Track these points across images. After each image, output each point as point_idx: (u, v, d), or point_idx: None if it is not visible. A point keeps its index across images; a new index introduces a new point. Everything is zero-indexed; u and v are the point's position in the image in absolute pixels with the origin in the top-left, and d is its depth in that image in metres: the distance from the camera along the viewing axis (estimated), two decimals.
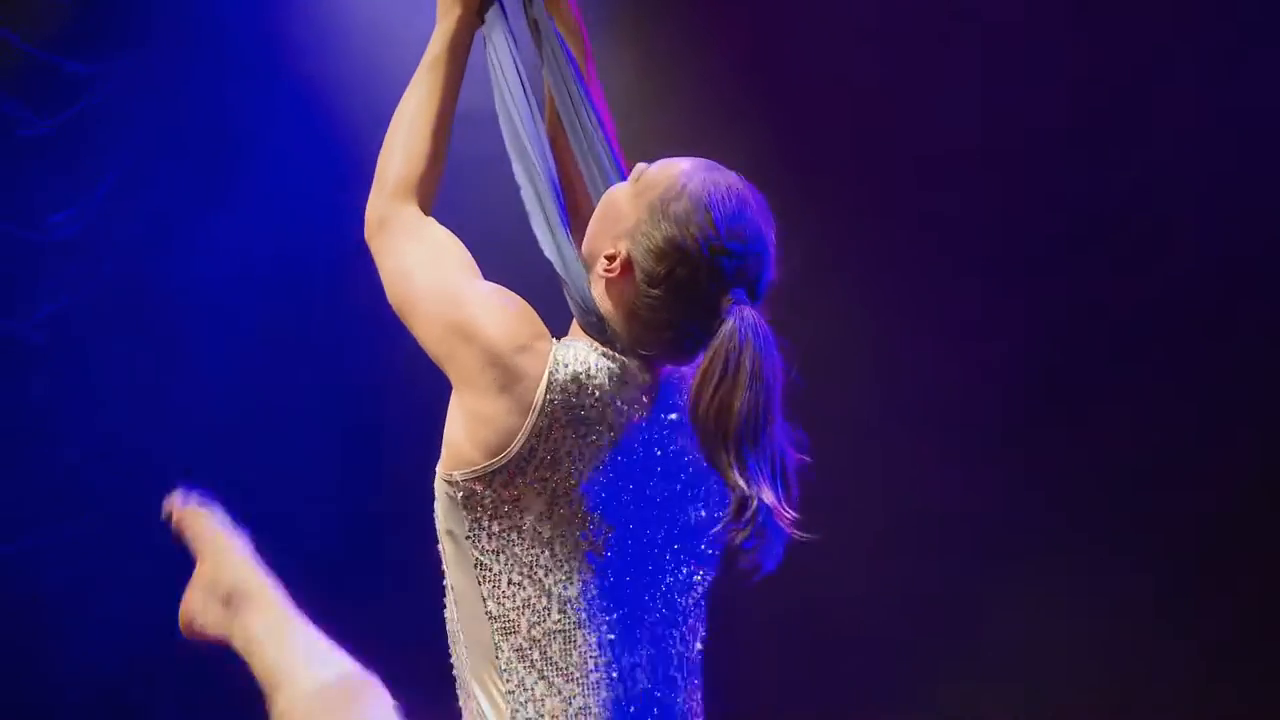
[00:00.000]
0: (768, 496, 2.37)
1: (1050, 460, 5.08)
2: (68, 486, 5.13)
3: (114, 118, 5.17)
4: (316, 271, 5.10)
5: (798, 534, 2.39)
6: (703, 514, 2.56)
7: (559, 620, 2.45)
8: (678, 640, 2.54)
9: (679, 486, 2.55)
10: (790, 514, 2.38)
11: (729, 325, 2.42)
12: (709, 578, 2.58)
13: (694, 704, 2.56)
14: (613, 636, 2.47)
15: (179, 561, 4.98)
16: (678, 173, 2.53)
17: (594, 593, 2.46)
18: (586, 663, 2.46)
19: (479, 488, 2.45)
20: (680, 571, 2.54)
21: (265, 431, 5.14)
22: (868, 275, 5.16)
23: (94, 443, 5.17)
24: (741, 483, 2.37)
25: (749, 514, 2.36)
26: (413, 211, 2.64)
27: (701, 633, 2.59)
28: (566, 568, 2.44)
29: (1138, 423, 5.01)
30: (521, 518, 2.44)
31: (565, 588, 2.44)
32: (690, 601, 2.56)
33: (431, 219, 2.65)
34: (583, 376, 2.47)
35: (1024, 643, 5.06)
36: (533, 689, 2.46)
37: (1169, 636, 5.00)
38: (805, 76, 5.18)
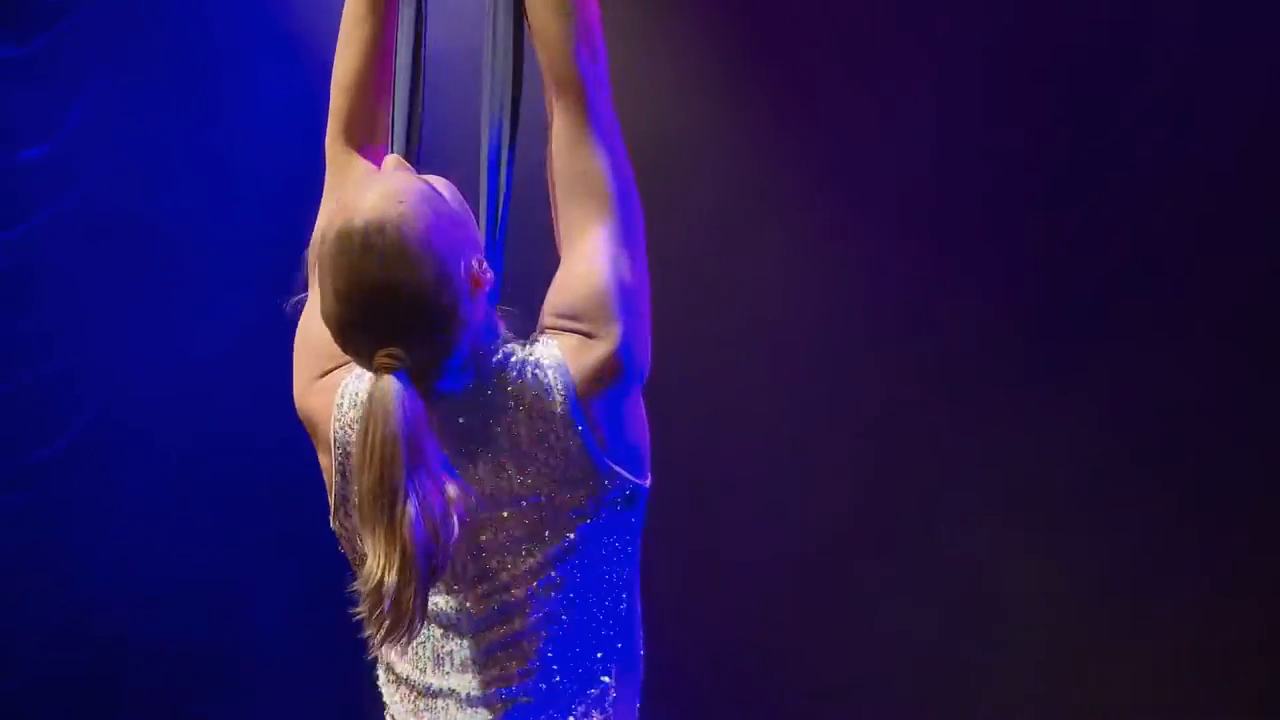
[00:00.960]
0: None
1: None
2: (33, 414, 5.08)
3: (90, 41, 5.09)
4: (301, 190, 5.01)
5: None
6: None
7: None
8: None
9: None
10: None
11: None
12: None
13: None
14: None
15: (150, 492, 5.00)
16: None
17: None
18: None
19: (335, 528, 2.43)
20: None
21: (253, 355, 5.08)
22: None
23: (62, 369, 5.10)
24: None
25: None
26: (332, 156, 2.58)
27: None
28: None
29: None
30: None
31: None
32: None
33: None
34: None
35: None
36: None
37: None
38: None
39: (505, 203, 2.54)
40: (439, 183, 2.41)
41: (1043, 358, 4.91)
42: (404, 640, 2.25)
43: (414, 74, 2.61)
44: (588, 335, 2.36)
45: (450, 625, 2.37)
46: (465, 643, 2.37)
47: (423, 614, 2.24)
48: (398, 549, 2.20)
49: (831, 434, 5.02)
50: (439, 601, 2.36)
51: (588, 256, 2.38)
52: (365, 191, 2.31)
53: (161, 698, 5.16)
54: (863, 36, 5.02)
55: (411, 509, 2.21)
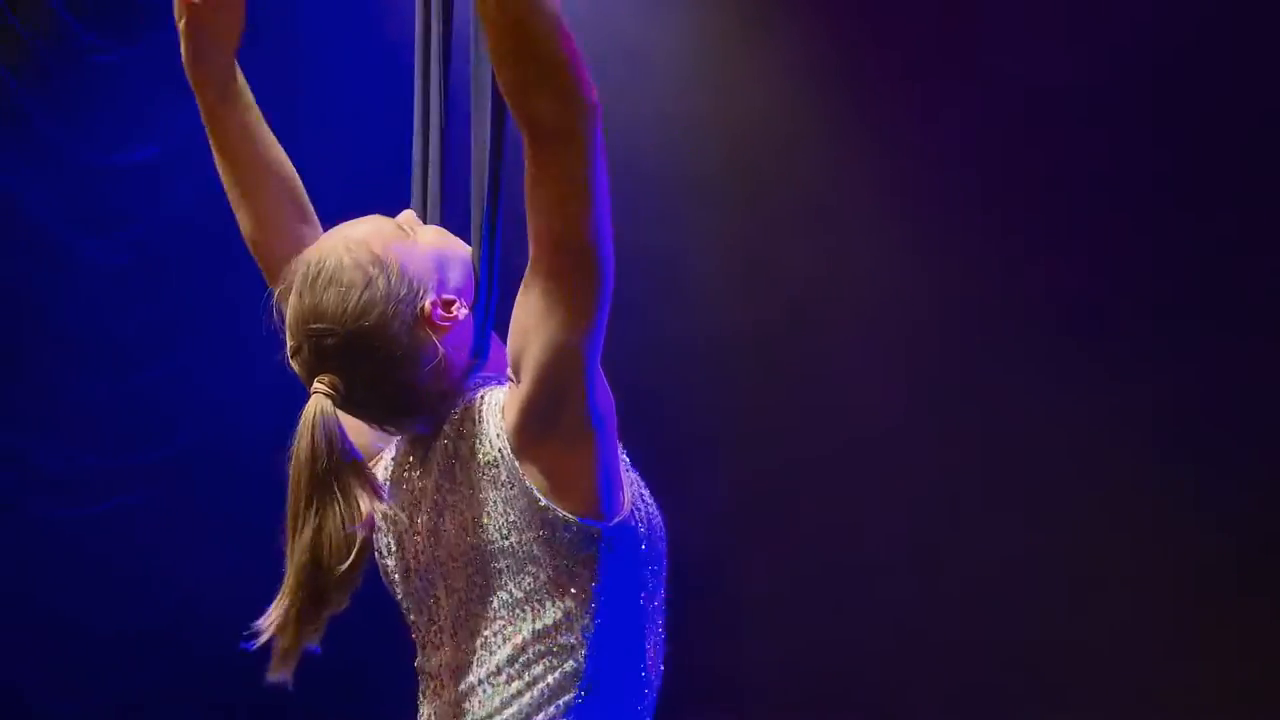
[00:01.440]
0: None
1: None
2: (145, 414, 5.11)
3: None
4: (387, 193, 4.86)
5: None
6: None
7: None
8: None
9: None
10: None
11: None
12: None
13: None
14: None
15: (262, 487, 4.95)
16: None
17: None
18: None
19: None
20: None
21: None
22: None
23: (172, 369, 5.11)
24: None
25: None
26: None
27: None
28: None
29: None
30: None
31: None
32: None
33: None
34: None
35: None
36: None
37: None
38: None
39: (495, 264, 2.43)
40: (427, 229, 2.46)
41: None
42: (287, 663, 2.34)
43: (426, 118, 2.58)
44: (515, 380, 2.32)
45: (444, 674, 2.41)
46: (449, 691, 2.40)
47: (304, 637, 2.32)
48: (290, 569, 2.33)
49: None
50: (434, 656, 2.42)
51: (524, 301, 2.31)
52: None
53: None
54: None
55: (306, 532, 2.32)
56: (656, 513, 2.44)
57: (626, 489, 2.38)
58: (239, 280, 4.98)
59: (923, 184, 4.91)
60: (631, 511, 2.38)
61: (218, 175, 4.85)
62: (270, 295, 2.51)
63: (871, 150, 4.95)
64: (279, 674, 2.34)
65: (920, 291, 4.94)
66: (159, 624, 5.15)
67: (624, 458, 2.42)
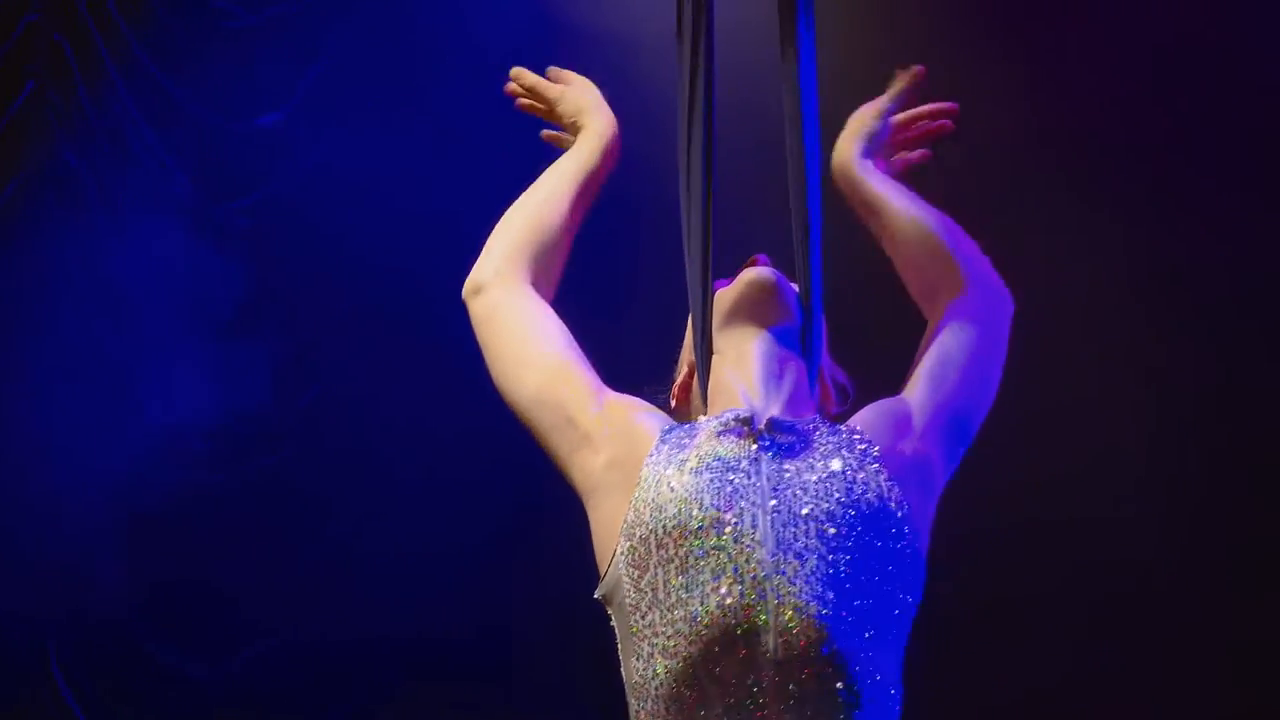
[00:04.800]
0: None
1: None
2: (273, 382, 5.16)
3: (322, 8, 5.10)
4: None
5: None
6: None
7: None
8: None
9: None
10: None
11: None
12: None
13: None
14: None
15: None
16: None
17: None
18: None
19: None
20: None
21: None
22: None
23: (300, 339, 5.16)
24: None
25: None
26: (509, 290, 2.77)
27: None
28: None
29: None
30: None
31: None
32: None
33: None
34: None
35: None
36: None
37: None
38: None
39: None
40: None
41: None
42: None
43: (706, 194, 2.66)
44: None
45: None
46: None
47: None
48: None
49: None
50: None
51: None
52: None
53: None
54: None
55: None
56: None
57: None
58: (357, 243, 5.08)
59: None
60: None
61: (338, 140, 4.89)
62: None
63: None
64: None
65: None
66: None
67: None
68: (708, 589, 2.43)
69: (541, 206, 2.84)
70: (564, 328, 2.75)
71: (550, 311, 2.76)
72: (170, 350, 5.11)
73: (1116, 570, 4.81)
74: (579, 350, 2.73)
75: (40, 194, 5.09)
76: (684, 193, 2.68)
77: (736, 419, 2.60)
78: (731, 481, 2.49)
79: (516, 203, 2.87)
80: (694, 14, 2.65)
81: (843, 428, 2.64)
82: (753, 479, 2.50)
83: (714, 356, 2.74)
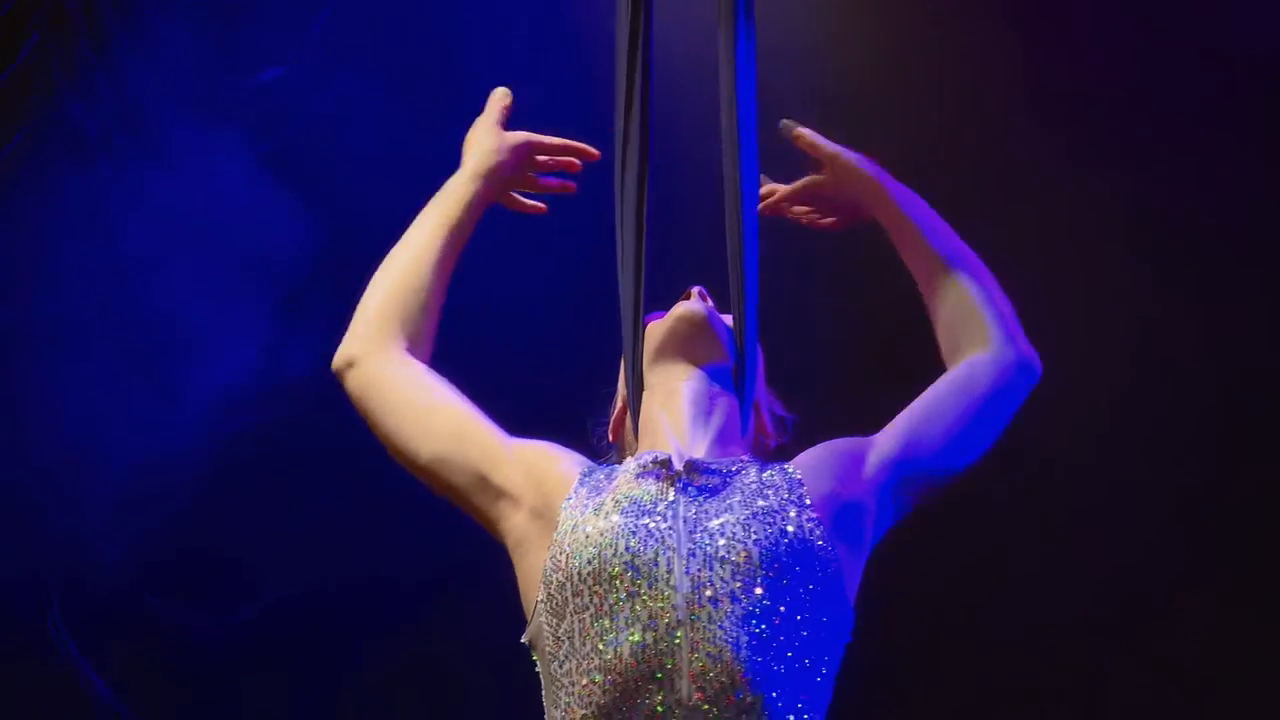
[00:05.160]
0: None
1: None
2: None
3: None
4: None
5: None
6: None
7: None
8: None
9: None
10: None
11: None
12: None
13: None
14: None
15: None
16: None
17: None
18: None
19: None
20: None
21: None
22: None
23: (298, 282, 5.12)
24: None
25: None
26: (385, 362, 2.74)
27: None
28: None
29: None
30: None
31: None
32: None
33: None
34: None
35: None
36: None
37: None
38: None
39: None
40: None
41: None
42: None
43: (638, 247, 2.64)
44: None
45: None
46: None
47: None
48: None
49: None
50: None
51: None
52: None
53: None
54: None
55: None
56: None
57: None
58: (367, 201, 5.01)
59: None
60: None
61: (342, 97, 4.81)
62: None
63: None
64: None
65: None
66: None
67: None
68: (621, 635, 2.42)
69: (407, 271, 2.79)
70: (450, 386, 2.71)
71: (432, 373, 2.73)
72: (176, 304, 5.09)
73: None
74: (472, 405, 2.69)
75: (45, 146, 5.06)
76: (619, 222, 2.64)
77: (655, 461, 2.57)
78: (647, 525, 2.47)
79: (383, 265, 2.82)
80: (631, 40, 2.62)
81: (775, 467, 2.60)
82: (669, 522, 2.48)
83: (645, 392, 2.70)
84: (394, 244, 2.87)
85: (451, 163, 2.96)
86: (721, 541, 2.45)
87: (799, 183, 3.03)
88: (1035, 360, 2.79)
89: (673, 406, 2.69)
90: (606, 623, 2.43)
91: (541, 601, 2.51)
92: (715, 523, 2.47)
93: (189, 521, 5.07)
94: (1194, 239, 4.76)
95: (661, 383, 2.72)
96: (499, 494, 2.63)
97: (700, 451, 2.64)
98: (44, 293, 5.08)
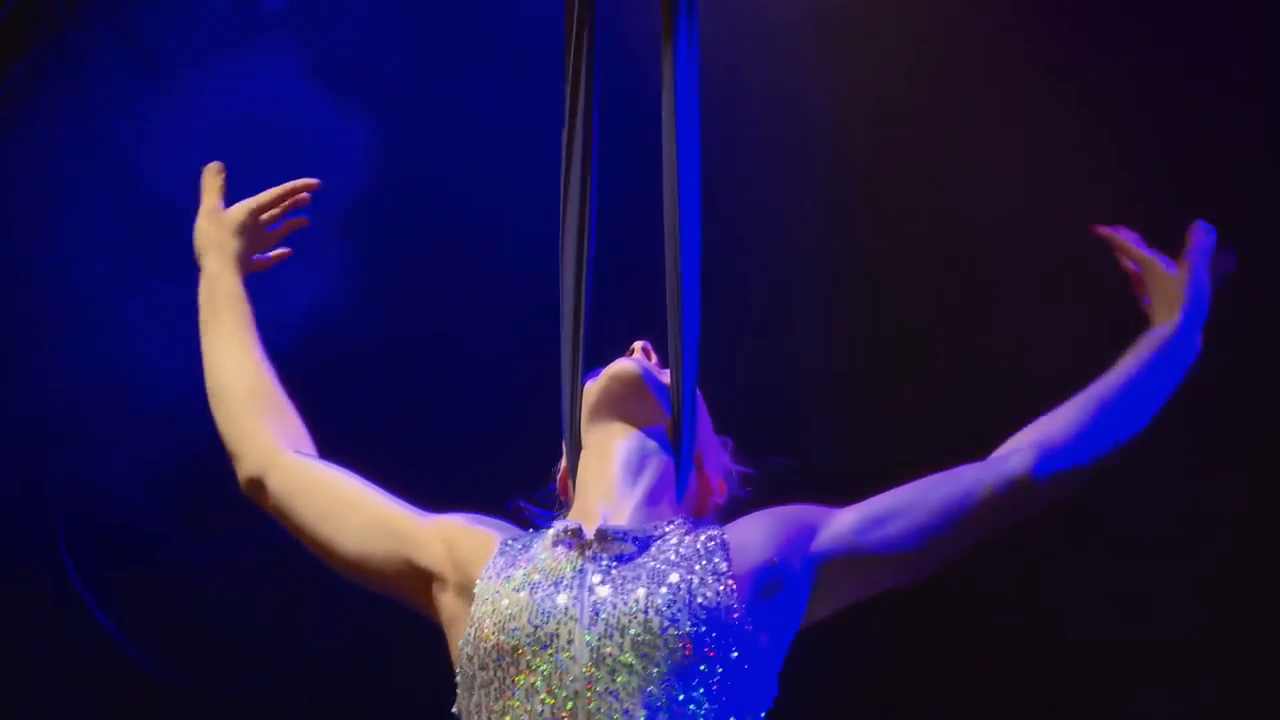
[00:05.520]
0: None
1: None
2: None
3: None
4: None
5: None
6: None
7: None
8: None
9: None
10: None
11: None
12: None
13: None
14: None
15: None
16: None
17: None
18: None
19: None
20: None
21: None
22: None
23: None
24: None
25: None
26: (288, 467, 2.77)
27: None
28: None
29: None
30: None
31: None
32: None
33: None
34: None
35: None
36: None
37: None
38: None
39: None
40: None
41: None
42: None
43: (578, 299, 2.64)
44: None
45: None
46: None
47: None
48: None
49: None
50: None
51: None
52: None
53: None
54: None
55: None
56: None
57: None
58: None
59: None
60: None
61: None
62: None
63: None
64: None
65: None
66: None
67: None
68: (520, 710, 2.39)
69: (236, 381, 2.84)
70: (351, 474, 2.72)
71: (329, 466, 2.73)
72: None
73: None
74: (379, 490, 2.69)
75: (46, 77, 4.99)
76: (562, 278, 2.63)
77: (566, 530, 2.52)
78: (553, 598, 2.42)
79: (211, 391, 2.85)
80: (575, 87, 2.61)
81: (706, 530, 2.53)
82: (575, 593, 2.43)
83: (584, 451, 2.66)
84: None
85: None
86: (623, 612, 2.39)
87: (1146, 256, 2.87)
88: (1045, 486, 2.64)
89: (604, 468, 2.63)
90: (508, 700, 2.40)
91: (458, 676, 2.50)
92: (617, 593, 2.42)
93: (207, 453, 4.98)
94: None
95: (597, 442, 2.66)
96: (427, 576, 2.61)
97: (625, 514, 2.58)
98: (44, 216, 5.01)
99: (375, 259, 5.01)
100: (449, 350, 5.02)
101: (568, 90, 2.61)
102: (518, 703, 2.39)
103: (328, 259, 4.92)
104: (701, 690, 2.38)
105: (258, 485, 2.76)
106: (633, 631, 2.37)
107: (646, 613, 2.38)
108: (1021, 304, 4.61)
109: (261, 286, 4.75)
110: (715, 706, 2.38)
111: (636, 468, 2.62)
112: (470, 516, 2.67)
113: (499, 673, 2.41)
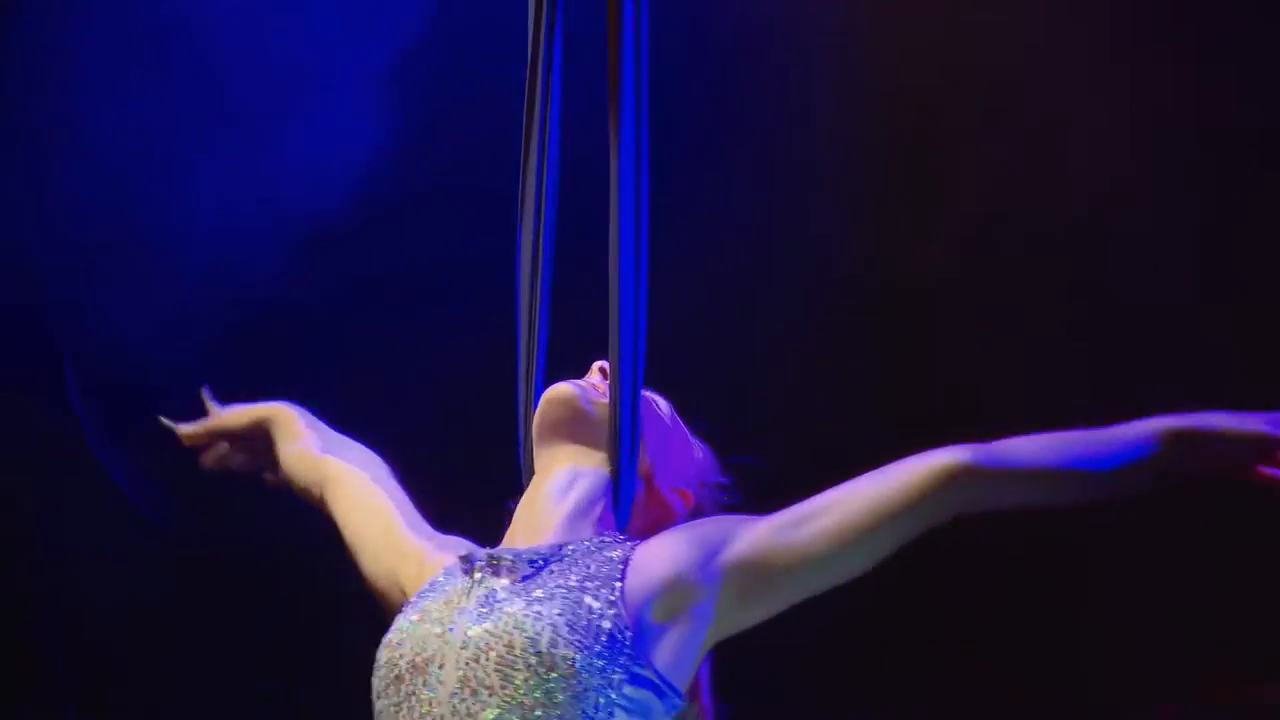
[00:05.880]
0: None
1: None
2: None
3: None
4: None
5: None
6: None
7: None
8: None
9: None
10: None
11: None
12: None
13: None
14: None
15: None
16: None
17: None
18: None
19: None
20: None
21: None
22: None
23: None
24: None
25: None
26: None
27: None
28: None
29: None
30: None
31: None
32: None
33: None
34: None
35: None
36: None
37: None
38: None
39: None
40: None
41: None
42: None
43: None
44: None
45: None
46: None
47: None
48: None
49: None
50: None
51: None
52: None
53: None
54: None
55: None
56: None
57: None
58: None
59: None
60: None
61: None
62: None
63: None
64: None
65: None
66: None
67: None
68: None
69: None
70: (376, 485, 2.84)
71: (358, 471, 2.89)
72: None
73: None
74: (400, 499, 2.81)
75: None
76: (519, 305, 2.74)
77: (461, 557, 2.52)
78: (438, 621, 2.44)
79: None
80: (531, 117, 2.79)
81: (610, 551, 2.50)
82: (457, 618, 2.43)
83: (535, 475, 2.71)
84: None
85: None
86: (493, 635, 2.38)
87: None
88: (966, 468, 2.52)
89: (535, 492, 2.66)
90: None
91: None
92: (501, 619, 2.40)
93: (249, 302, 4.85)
94: None
95: (542, 467, 2.68)
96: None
97: (544, 536, 2.58)
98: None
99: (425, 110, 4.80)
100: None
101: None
102: None
103: (376, 109, 4.83)
104: (576, 713, 2.35)
105: (323, 497, 2.97)
106: (494, 654, 2.36)
107: (518, 635, 2.36)
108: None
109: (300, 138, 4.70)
110: None
111: (565, 489, 2.62)
112: (456, 540, 2.73)
113: (387, 699, 2.43)
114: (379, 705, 2.44)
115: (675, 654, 2.42)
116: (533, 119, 2.73)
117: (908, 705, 4.67)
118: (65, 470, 4.91)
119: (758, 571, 2.49)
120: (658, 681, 2.39)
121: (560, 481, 2.62)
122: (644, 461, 2.67)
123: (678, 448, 2.76)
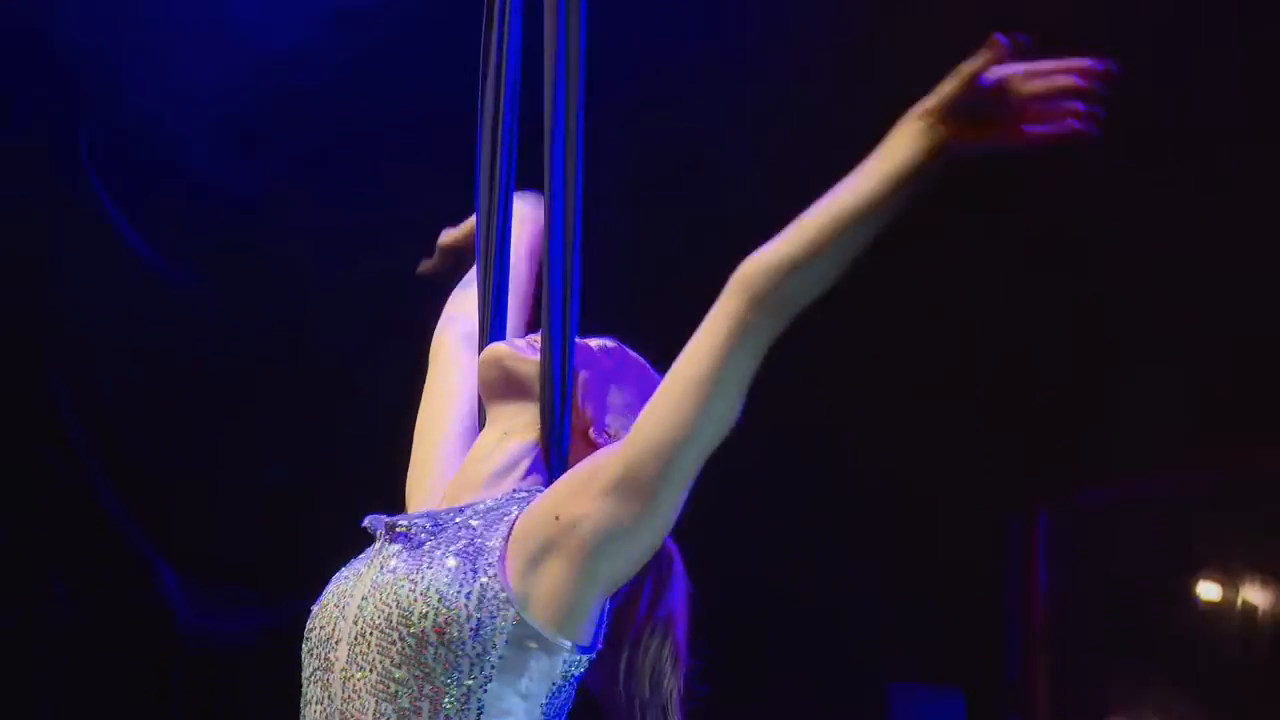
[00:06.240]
0: None
1: None
2: None
3: None
4: None
5: None
6: None
7: None
8: None
9: None
10: None
11: None
12: None
13: None
14: None
15: None
16: None
17: None
18: None
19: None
20: None
21: None
22: None
23: None
24: None
25: None
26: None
27: None
28: None
29: None
30: None
31: None
32: None
33: None
34: None
35: None
36: None
37: None
38: None
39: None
40: None
41: None
42: None
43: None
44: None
45: None
46: None
47: None
48: None
49: None
50: None
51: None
52: None
53: None
54: None
55: None
56: None
57: None
58: None
59: None
60: None
61: None
62: None
63: None
64: None
65: None
66: None
67: None
68: (310, 707, 2.42)
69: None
70: (454, 407, 2.74)
71: (453, 379, 2.78)
72: None
73: None
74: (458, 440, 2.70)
75: None
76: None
77: (365, 526, 2.52)
78: (343, 595, 2.41)
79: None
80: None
81: (507, 509, 2.44)
82: (353, 590, 2.40)
83: None
84: None
85: None
86: (372, 603, 2.35)
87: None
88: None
89: (469, 453, 2.62)
90: (303, 700, 2.42)
91: None
92: (389, 584, 2.36)
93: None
94: None
95: (484, 427, 2.64)
96: None
97: (463, 499, 2.51)
98: None
99: None
100: None
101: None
102: (306, 703, 2.40)
103: None
104: (451, 681, 2.31)
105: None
106: (376, 621, 2.33)
107: (390, 607, 2.32)
108: None
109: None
110: (485, 687, 2.32)
111: (491, 448, 2.56)
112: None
113: (307, 672, 2.41)
114: (303, 674, 2.42)
115: (564, 604, 2.33)
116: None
117: None
118: (83, 239, 4.94)
119: (628, 489, 2.32)
120: (546, 636, 2.32)
121: (489, 440, 2.55)
122: (584, 414, 2.55)
123: (627, 396, 2.59)
